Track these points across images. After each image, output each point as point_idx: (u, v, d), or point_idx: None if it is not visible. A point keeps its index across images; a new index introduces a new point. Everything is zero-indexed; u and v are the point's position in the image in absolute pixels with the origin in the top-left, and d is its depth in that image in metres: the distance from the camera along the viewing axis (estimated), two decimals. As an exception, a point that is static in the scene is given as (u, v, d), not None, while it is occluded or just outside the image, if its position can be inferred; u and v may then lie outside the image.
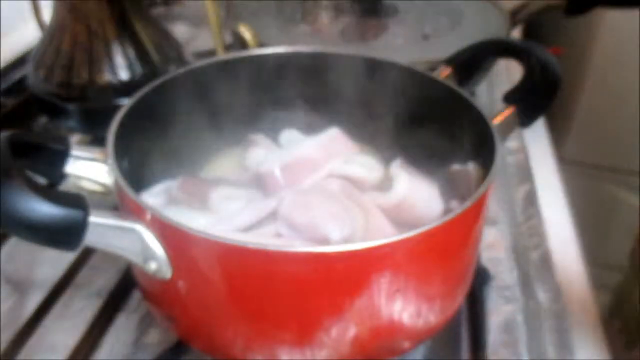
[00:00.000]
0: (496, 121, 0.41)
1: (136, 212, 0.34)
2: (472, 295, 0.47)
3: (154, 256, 0.34)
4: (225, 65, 0.49)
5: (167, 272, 0.35)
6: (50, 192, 0.31)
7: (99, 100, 0.60)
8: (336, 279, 0.33)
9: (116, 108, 0.41)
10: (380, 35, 0.71)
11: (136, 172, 0.41)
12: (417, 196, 0.43)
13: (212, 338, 0.38)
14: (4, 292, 0.49)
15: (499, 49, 0.50)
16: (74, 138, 0.63)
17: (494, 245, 0.53)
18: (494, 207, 0.58)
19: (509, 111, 0.43)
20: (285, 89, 0.50)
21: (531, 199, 0.59)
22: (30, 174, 0.33)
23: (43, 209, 0.30)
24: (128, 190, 0.35)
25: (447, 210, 0.43)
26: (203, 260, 0.34)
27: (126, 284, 0.48)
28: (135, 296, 0.48)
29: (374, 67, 0.49)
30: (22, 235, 0.31)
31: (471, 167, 0.42)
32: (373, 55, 0.49)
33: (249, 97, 0.50)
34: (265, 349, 0.36)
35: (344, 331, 0.35)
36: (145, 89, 0.44)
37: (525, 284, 0.50)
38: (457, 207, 0.34)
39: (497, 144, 0.38)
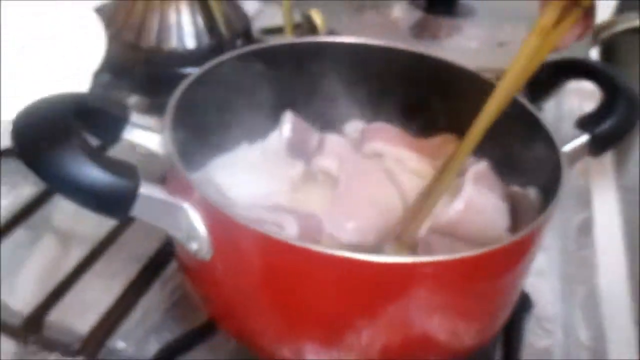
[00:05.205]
0: (566, 148, 0.39)
1: (186, 190, 0.34)
2: (510, 321, 0.45)
3: (197, 236, 0.34)
4: (294, 48, 0.48)
5: (207, 254, 0.34)
6: (105, 159, 0.31)
7: (163, 66, 0.60)
8: (377, 289, 0.32)
9: (179, 76, 0.41)
10: (452, 35, 0.69)
11: (190, 146, 0.40)
12: (480, 210, 0.41)
13: (242, 325, 0.37)
14: (49, 242, 0.50)
15: (578, 70, 0.47)
16: (132, 99, 0.63)
17: (540, 272, 0.51)
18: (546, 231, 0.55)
19: (581, 138, 0.40)
20: (350, 79, 0.49)
21: (587, 229, 0.56)
22: (85, 135, 0.33)
23: (95, 174, 0.30)
24: (180, 168, 0.34)
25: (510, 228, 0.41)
26: (244, 249, 0.33)
27: (166, 253, 0.48)
28: (173, 266, 0.48)
29: (439, 68, 0.47)
30: (70, 197, 0.31)
31: (532, 193, 0.40)
32: (441, 57, 0.47)
33: (314, 82, 0.49)
34: (292, 344, 0.36)
35: (375, 339, 0.34)
36: (213, 62, 0.43)
37: (568, 317, 0.48)
38: (511, 235, 0.33)
39: (564, 174, 0.36)
